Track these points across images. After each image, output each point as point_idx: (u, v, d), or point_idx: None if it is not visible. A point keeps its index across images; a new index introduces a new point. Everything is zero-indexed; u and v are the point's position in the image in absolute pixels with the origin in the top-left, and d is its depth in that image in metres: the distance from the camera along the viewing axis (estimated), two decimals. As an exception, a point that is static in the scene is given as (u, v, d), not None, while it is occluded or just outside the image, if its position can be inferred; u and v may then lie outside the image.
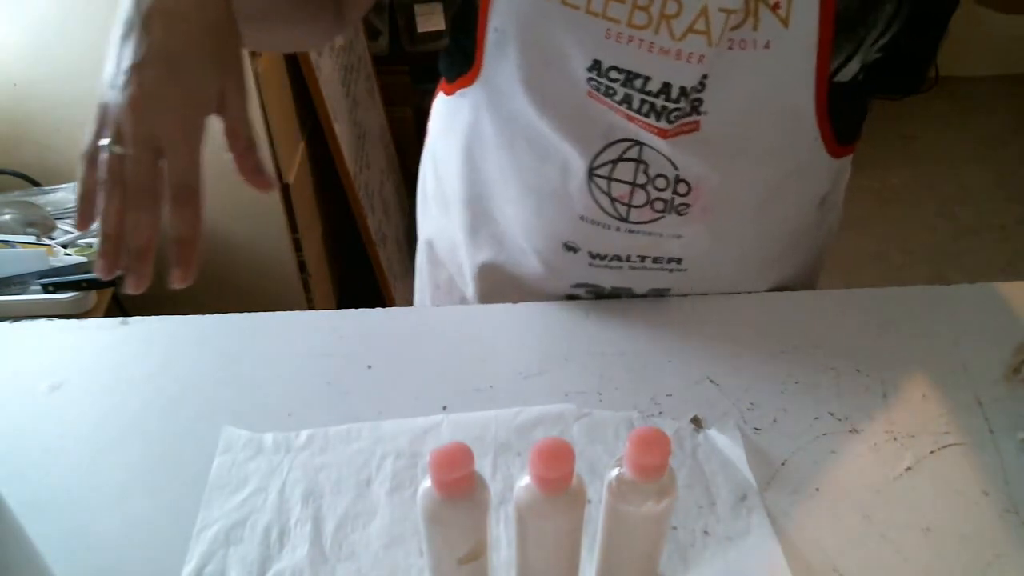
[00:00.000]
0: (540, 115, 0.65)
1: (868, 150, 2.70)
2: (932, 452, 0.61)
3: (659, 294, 0.76)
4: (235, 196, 1.56)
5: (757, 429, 0.63)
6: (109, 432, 0.63)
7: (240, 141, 0.50)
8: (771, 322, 0.73)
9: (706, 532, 0.55)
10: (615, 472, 0.45)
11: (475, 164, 0.73)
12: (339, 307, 1.13)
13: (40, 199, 1.42)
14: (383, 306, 0.76)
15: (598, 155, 0.66)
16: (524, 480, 0.44)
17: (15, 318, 0.74)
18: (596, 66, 0.59)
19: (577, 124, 0.64)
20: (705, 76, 0.58)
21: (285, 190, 1.58)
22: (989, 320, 0.73)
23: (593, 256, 0.72)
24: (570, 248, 0.72)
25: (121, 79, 0.45)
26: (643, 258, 0.72)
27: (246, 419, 0.63)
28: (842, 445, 0.62)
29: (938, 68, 2.99)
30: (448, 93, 0.73)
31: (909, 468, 0.60)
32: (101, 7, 1.33)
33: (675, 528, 0.55)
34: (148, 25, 0.45)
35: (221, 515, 0.56)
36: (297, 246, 1.65)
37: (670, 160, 0.65)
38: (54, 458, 0.61)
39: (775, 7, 0.55)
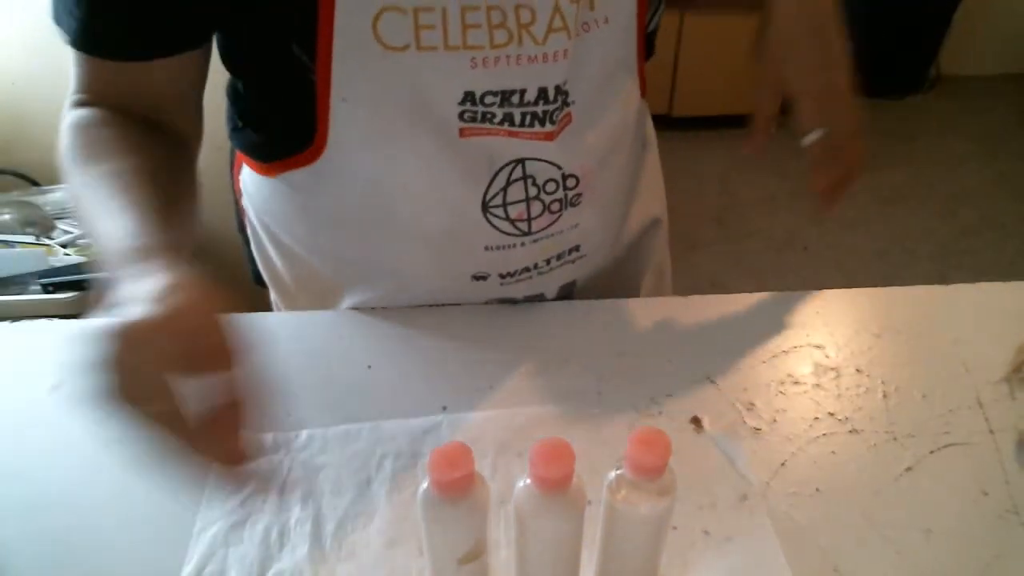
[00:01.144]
0: (414, 170, 0.62)
1: (868, 150, 2.70)
2: (932, 452, 0.61)
3: (567, 292, 0.77)
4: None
5: (757, 429, 0.63)
6: (109, 432, 0.63)
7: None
8: (771, 322, 0.73)
9: (706, 532, 0.55)
10: (615, 472, 0.45)
11: (337, 238, 0.70)
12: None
13: (40, 199, 1.42)
14: (383, 306, 0.76)
15: (487, 188, 0.64)
16: (524, 480, 0.44)
17: (15, 318, 0.74)
18: (468, 97, 0.58)
19: (458, 164, 0.62)
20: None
21: (285, 190, 1.58)
22: (989, 320, 0.73)
23: (503, 276, 0.72)
24: (479, 278, 0.72)
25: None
26: (548, 260, 0.72)
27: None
28: (842, 445, 0.62)
29: (938, 68, 2.99)
30: (269, 174, 0.68)
31: (909, 468, 0.60)
32: (101, 7, 1.33)
33: (675, 528, 0.55)
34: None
35: (221, 515, 0.56)
36: (297, 246, 1.65)
37: (554, 163, 0.65)
38: (54, 458, 0.61)
39: None
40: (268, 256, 0.79)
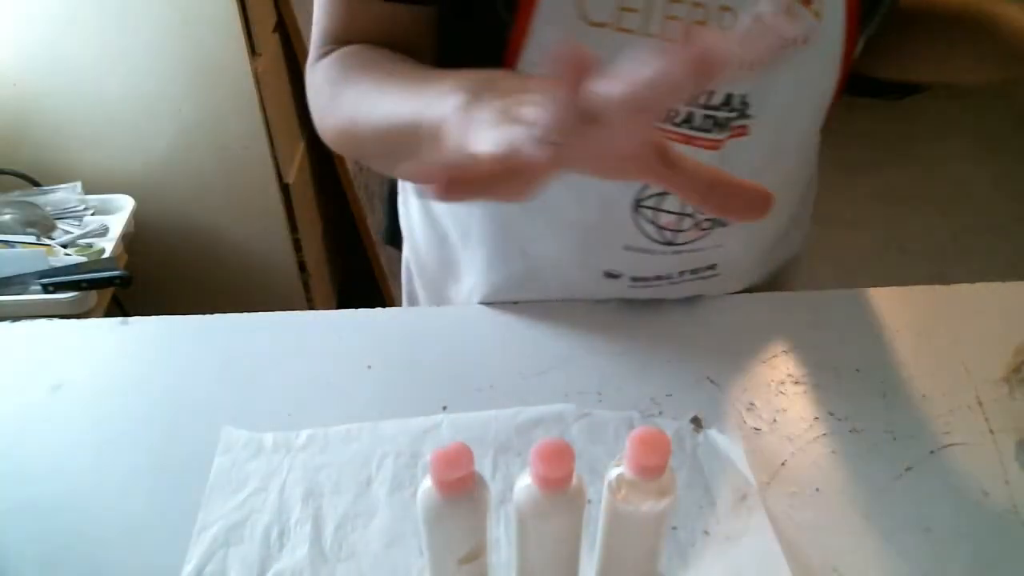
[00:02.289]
0: None
1: (868, 150, 2.71)
2: (932, 452, 0.61)
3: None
4: (235, 196, 1.56)
5: (757, 429, 0.63)
6: (109, 432, 0.63)
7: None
8: (771, 322, 0.73)
9: (706, 532, 0.55)
10: (615, 472, 0.45)
11: (486, 208, 0.71)
12: (339, 307, 1.13)
13: (40, 199, 1.42)
14: (383, 306, 0.76)
15: (644, 188, 0.64)
16: (524, 480, 0.44)
17: (15, 318, 0.74)
18: None
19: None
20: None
21: (285, 190, 1.58)
22: (989, 320, 0.73)
23: (635, 279, 0.71)
24: (611, 275, 0.71)
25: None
26: (682, 272, 0.71)
27: (246, 419, 0.63)
28: (842, 445, 0.62)
29: (938, 68, 2.98)
30: None
31: (909, 468, 0.60)
32: (102, 7, 1.33)
33: (675, 528, 0.55)
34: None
35: (221, 515, 0.56)
36: (297, 246, 1.66)
37: None
38: (54, 458, 0.61)
39: (807, 2, 0.55)
40: (411, 215, 0.80)
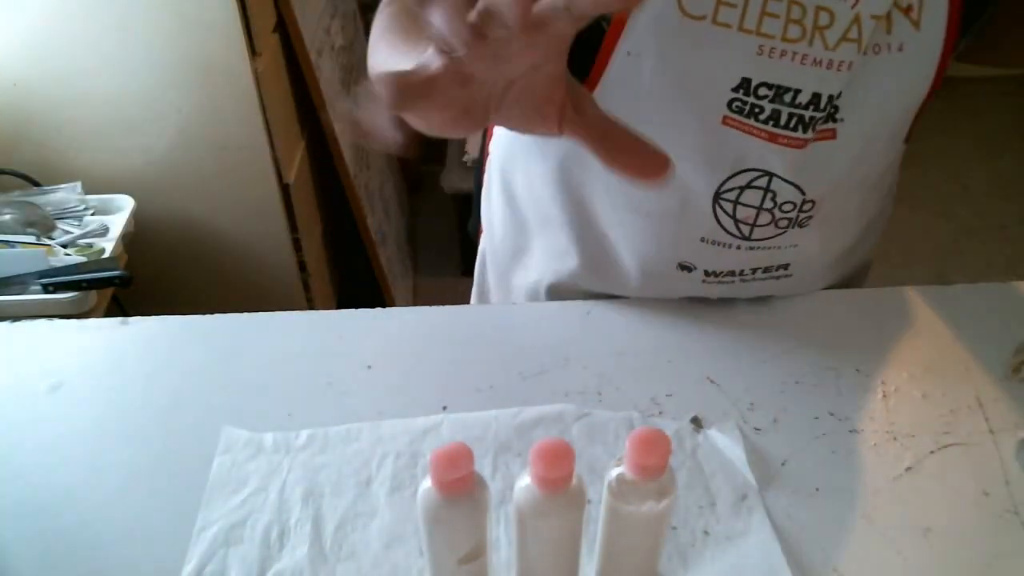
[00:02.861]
0: (667, 140, 0.61)
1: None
2: (932, 452, 0.61)
3: (760, 301, 0.76)
4: (235, 196, 1.56)
5: (757, 429, 0.63)
6: (109, 432, 0.63)
7: None
8: (771, 322, 0.73)
9: (706, 532, 0.55)
10: (615, 472, 0.45)
11: (571, 188, 0.71)
12: (339, 307, 1.13)
13: (40, 199, 1.42)
14: (383, 306, 0.76)
15: (725, 181, 0.64)
16: (524, 480, 0.44)
17: (15, 318, 0.74)
18: (744, 84, 0.58)
19: (706, 150, 0.62)
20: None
21: (285, 190, 1.58)
22: (989, 320, 0.73)
23: (708, 274, 0.71)
24: (685, 268, 0.71)
25: None
26: (755, 270, 0.71)
27: (246, 419, 0.63)
28: (842, 445, 0.62)
29: (938, 68, 2.98)
30: None
31: (909, 468, 0.60)
32: (101, 7, 1.33)
33: (675, 528, 0.55)
34: None
35: (221, 515, 0.56)
36: (297, 246, 1.66)
37: (798, 186, 0.64)
38: (54, 458, 0.61)
39: (907, 10, 0.55)
40: (491, 206, 0.81)
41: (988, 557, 0.54)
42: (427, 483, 0.43)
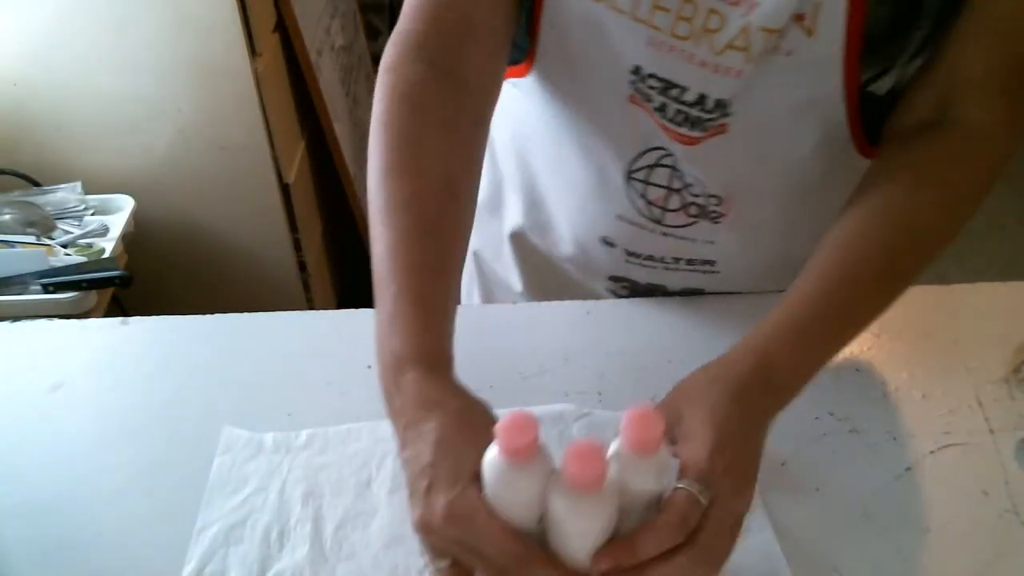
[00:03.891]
0: (585, 114, 0.66)
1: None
2: (932, 452, 0.61)
3: (693, 292, 0.77)
4: (235, 196, 1.56)
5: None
6: (109, 432, 0.63)
7: None
8: (771, 322, 0.73)
9: (706, 532, 0.55)
10: (612, 449, 0.45)
11: (523, 152, 0.75)
12: (339, 307, 1.13)
13: (40, 199, 1.42)
14: (383, 306, 0.76)
15: (636, 159, 0.66)
16: (555, 476, 0.44)
17: (15, 318, 0.74)
18: (636, 71, 0.60)
19: (618, 127, 0.65)
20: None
21: (285, 190, 1.58)
22: (989, 320, 0.73)
23: (629, 254, 0.73)
24: (608, 243, 0.73)
25: (412, 509, 0.46)
26: (677, 259, 0.73)
27: (246, 419, 0.63)
28: (842, 445, 0.62)
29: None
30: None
31: (909, 468, 0.60)
32: (101, 7, 1.33)
33: (675, 528, 0.55)
34: (407, 452, 0.47)
35: (221, 515, 0.56)
36: (297, 246, 1.66)
37: (699, 179, 0.65)
38: (54, 458, 0.61)
39: (799, 17, 0.55)
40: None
41: (988, 557, 0.54)
42: (494, 454, 0.44)
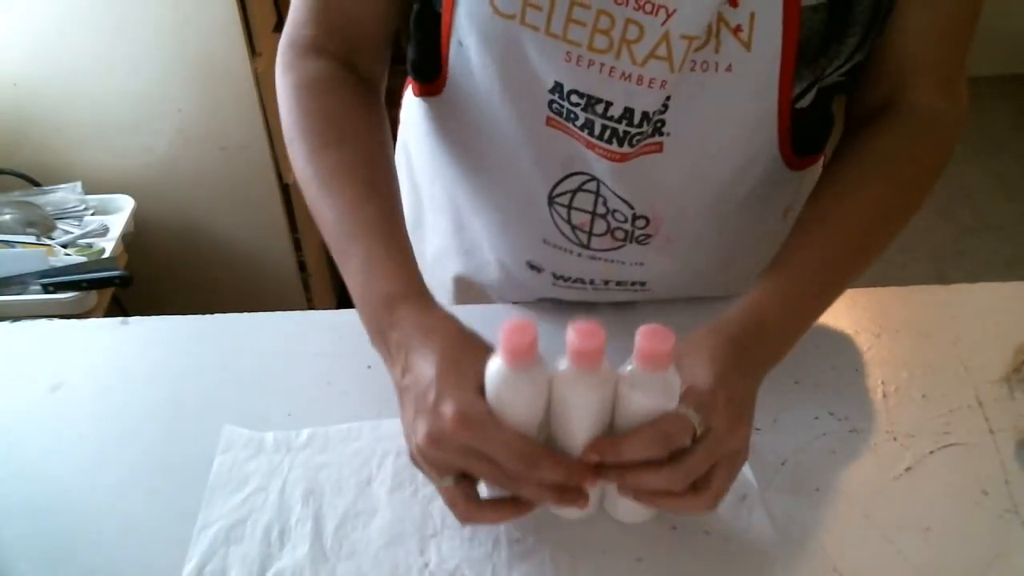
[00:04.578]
0: (502, 136, 0.63)
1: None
2: (932, 452, 0.61)
3: (648, 305, 0.75)
4: (235, 196, 1.56)
5: (757, 429, 0.63)
6: (109, 432, 0.63)
7: None
8: (771, 322, 0.73)
9: (706, 532, 0.55)
10: (628, 367, 0.48)
11: (443, 172, 0.73)
12: (339, 307, 1.13)
13: (40, 199, 1.42)
14: (383, 306, 0.76)
15: (558, 184, 0.65)
16: (563, 362, 0.48)
17: (15, 318, 0.74)
18: (557, 89, 0.57)
19: (537, 150, 0.63)
20: (668, 98, 0.57)
21: (285, 190, 1.58)
22: (989, 320, 0.73)
23: (557, 277, 0.72)
24: (534, 267, 0.72)
25: (414, 431, 0.49)
26: (607, 282, 0.72)
27: (246, 419, 0.63)
28: (842, 445, 0.62)
29: (938, 68, 2.98)
30: (416, 95, 0.72)
31: (909, 468, 0.60)
32: (101, 7, 1.33)
33: (675, 528, 0.55)
34: (409, 377, 0.50)
35: (221, 514, 0.56)
36: (297, 246, 1.66)
37: (626, 201, 0.64)
38: (54, 458, 0.61)
39: (737, 30, 0.54)
40: (399, 171, 0.82)
41: (988, 557, 0.54)
42: (495, 363, 0.47)
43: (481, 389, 0.48)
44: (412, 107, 0.75)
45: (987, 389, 0.66)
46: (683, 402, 0.48)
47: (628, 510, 0.55)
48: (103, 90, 1.41)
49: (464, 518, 0.50)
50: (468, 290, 0.80)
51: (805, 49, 0.55)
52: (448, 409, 0.46)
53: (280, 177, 1.56)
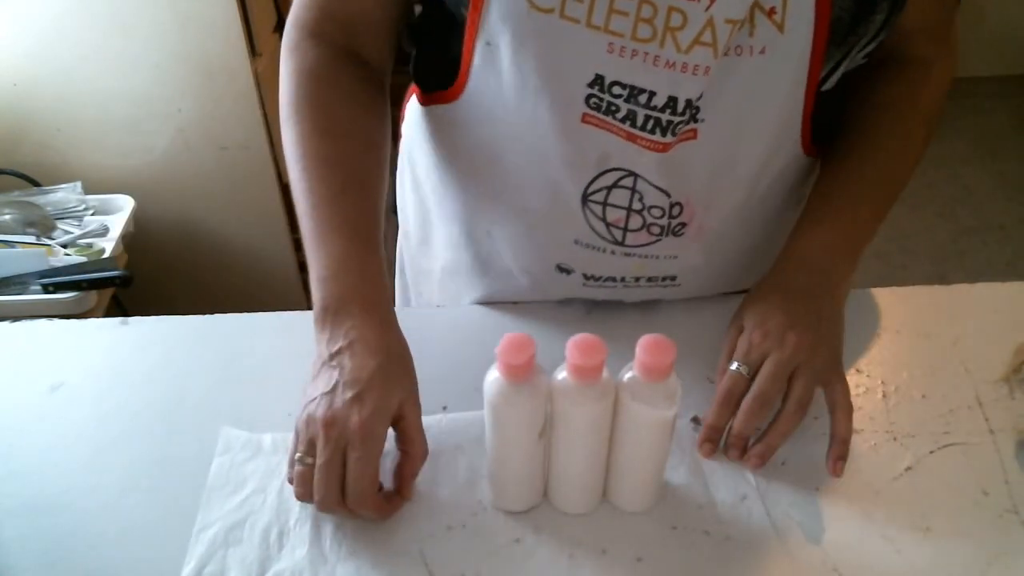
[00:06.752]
0: (530, 138, 0.62)
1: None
2: (932, 452, 0.61)
3: (648, 305, 0.75)
4: (235, 196, 1.56)
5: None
6: (109, 432, 0.63)
7: (415, 447, 0.56)
8: (771, 322, 0.73)
9: (706, 532, 0.55)
10: (627, 375, 0.49)
11: (453, 182, 0.72)
12: (339, 307, 1.13)
13: (40, 199, 1.42)
14: (383, 306, 0.76)
15: (592, 181, 0.64)
16: (560, 374, 0.49)
17: (15, 318, 0.74)
18: (598, 81, 0.57)
19: (570, 149, 0.62)
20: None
21: (285, 190, 1.58)
22: (989, 320, 0.73)
23: (587, 277, 0.71)
24: (563, 270, 0.71)
25: (316, 404, 0.53)
26: (638, 279, 0.71)
27: (246, 419, 0.63)
28: (842, 445, 0.62)
29: (938, 68, 2.98)
30: (424, 103, 0.70)
31: (909, 468, 0.60)
32: (101, 7, 1.33)
33: (675, 528, 0.55)
34: (340, 361, 0.54)
35: (220, 516, 0.56)
36: (297, 246, 1.66)
37: (663, 190, 0.64)
38: (54, 458, 0.61)
39: (771, 12, 0.54)
40: (403, 184, 0.83)
41: (988, 557, 0.54)
42: (493, 374, 0.49)
43: (388, 425, 0.53)
44: (417, 118, 0.74)
45: (987, 389, 0.66)
46: (731, 359, 0.60)
47: (632, 498, 0.56)
48: (103, 90, 1.41)
49: (301, 496, 0.53)
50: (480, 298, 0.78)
51: (835, 28, 0.55)
52: (363, 411, 0.51)
53: (280, 177, 1.56)
